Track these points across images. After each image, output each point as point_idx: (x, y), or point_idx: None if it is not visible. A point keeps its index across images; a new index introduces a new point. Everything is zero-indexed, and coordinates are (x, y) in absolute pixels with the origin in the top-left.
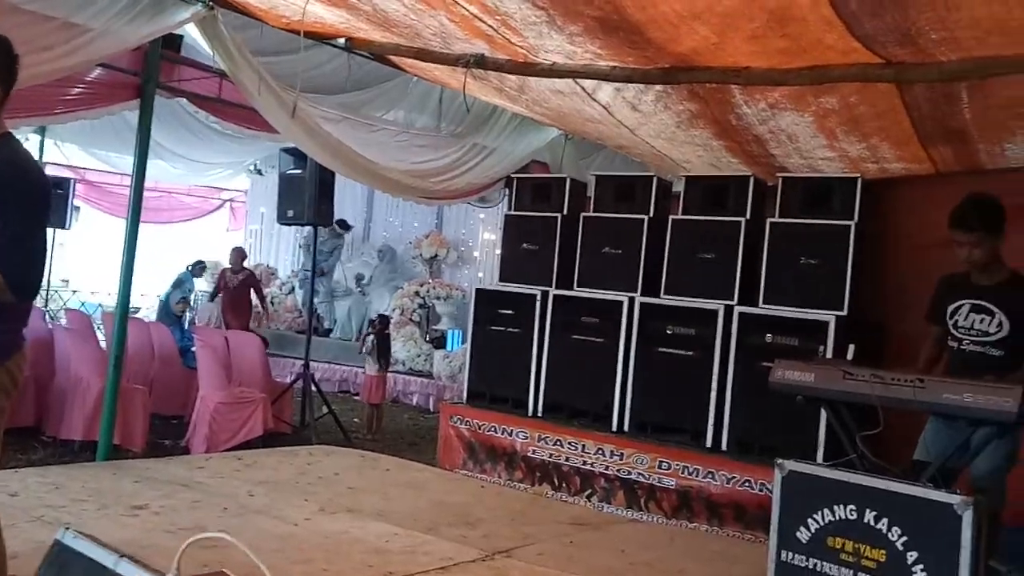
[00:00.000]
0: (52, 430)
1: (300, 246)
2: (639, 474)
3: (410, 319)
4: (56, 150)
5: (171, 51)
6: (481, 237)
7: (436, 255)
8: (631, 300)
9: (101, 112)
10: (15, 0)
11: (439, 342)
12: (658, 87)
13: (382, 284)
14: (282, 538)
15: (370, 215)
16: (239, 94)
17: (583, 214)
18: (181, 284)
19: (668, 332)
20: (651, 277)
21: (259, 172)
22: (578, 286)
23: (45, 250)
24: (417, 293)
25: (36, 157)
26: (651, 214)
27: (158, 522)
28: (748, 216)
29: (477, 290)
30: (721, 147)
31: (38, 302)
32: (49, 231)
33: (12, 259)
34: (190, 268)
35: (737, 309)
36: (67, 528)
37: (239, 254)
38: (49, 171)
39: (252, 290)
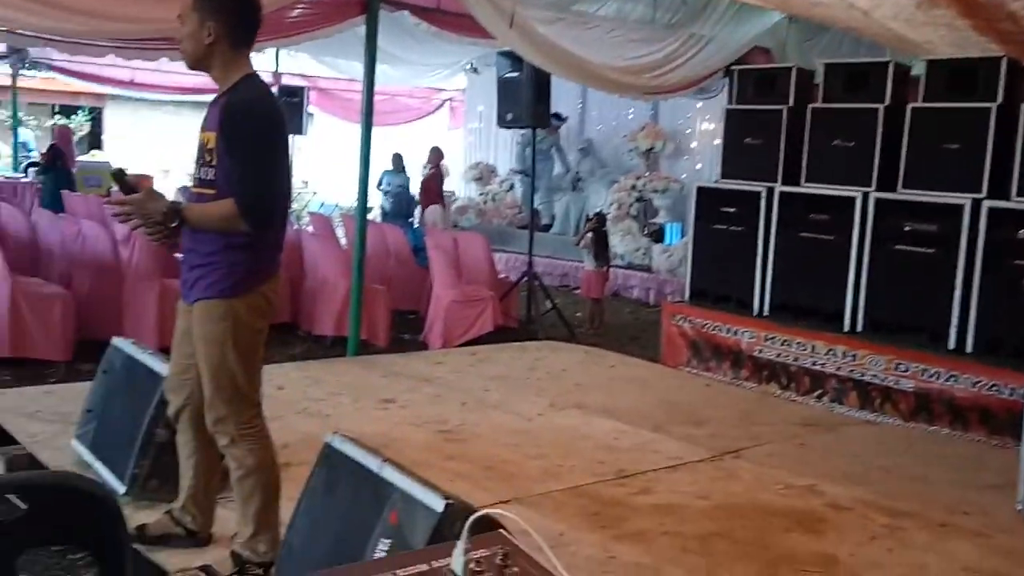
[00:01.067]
0: (306, 326)
1: (518, 143)
2: (873, 375)
3: (627, 213)
4: (290, 60)
5: None
6: (699, 127)
7: (652, 147)
8: (865, 196)
9: (330, 31)
10: None
11: (657, 236)
12: None
13: (598, 178)
14: (518, 433)
15: (584, 108)
16: (457, 3)
17: (811, 105)
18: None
19: (906, 229)
20: (886, 171)
21: (475, 71)
22: (806, 182)
23: (277, 181)
24: (634, 187)
25: (270, 78)
26: (887, 102)
27: (405, 415)
28: (1000, 101)
29: (698, 188)
30: (967, 26)
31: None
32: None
33: (243, 189)
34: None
35: (985, 203)
36: (335, 433)
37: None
38: (284, 81)
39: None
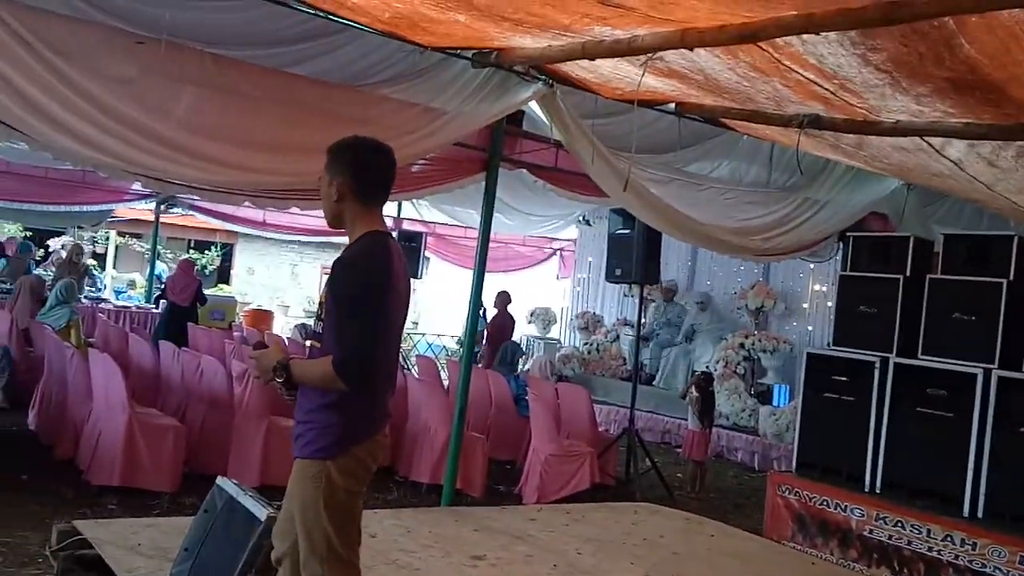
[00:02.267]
0: (403, 471)
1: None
2: (995, 567)
3: (734, 371)
4: (411, 207)
5: (514, 126)
6: (810, 289)
7: (762, 306)
8: (987, 373)
9: (452, 187)
10: (385, 91)
11: (764, 397)
12: (1020, 142)
13: (707, 334)
14: None
15: (694, 266)
16: (574, 163)
17: (929, 276)
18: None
19: None
20: (1010, 347)
21: (587, 223)
22: (923, 354)
23: (375, 341)
24: (742, 345)
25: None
26: (1011, 277)
27: (494, 574)
28: None
29: (809, 354)
30: None
31: None
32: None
33: (340, 347)
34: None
35: None
36: None
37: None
38: (404, 226)
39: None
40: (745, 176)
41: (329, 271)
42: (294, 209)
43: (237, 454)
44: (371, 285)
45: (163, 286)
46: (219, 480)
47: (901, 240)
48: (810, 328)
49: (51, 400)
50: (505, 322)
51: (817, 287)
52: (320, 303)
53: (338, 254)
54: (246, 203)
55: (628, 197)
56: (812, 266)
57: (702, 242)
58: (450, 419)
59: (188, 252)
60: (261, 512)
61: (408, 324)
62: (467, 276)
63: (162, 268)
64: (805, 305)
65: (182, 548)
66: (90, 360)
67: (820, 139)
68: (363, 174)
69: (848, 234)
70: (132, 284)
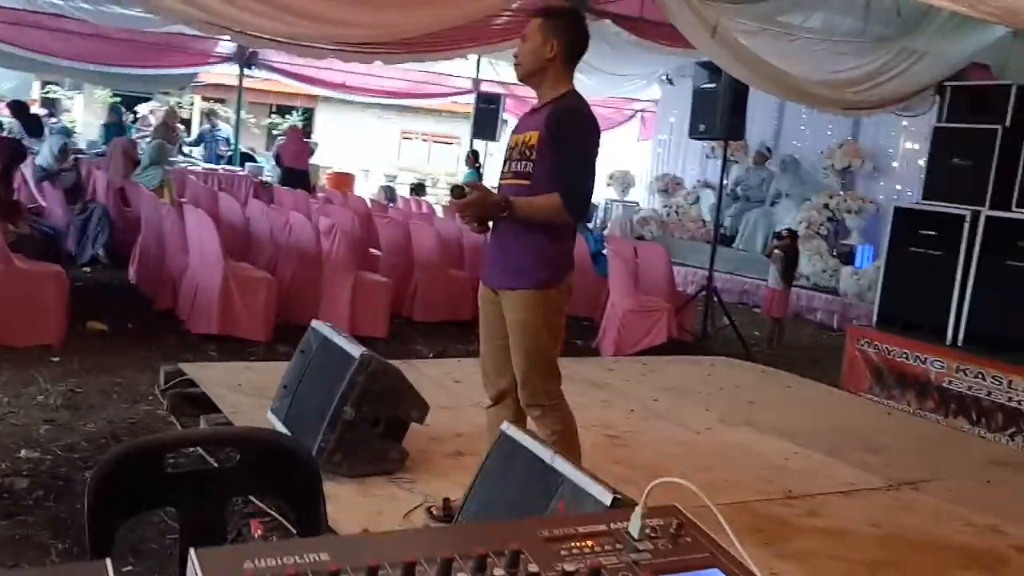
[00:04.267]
0: None
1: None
2: None
3: (817, 232)
4: (490, 68)
5: None
6: (901, 147)
7: (849, 166)
8: None
9: None
10: None
11: (847, 257)
12: None
13: (790, 197)
14: (683, 444)
15: (780, 124)
16: (660, 12)
17: None
18: None
19: None
20: None
21: (670, 82)
22: (1017, 207)
23: (594, 179)
24: (826, 206)
25: (469, 85)
26: None
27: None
28: None
29: (896, 208)
30: None
31: None
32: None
33: (568, 184)
34: None
35: None
36: (510, 423)
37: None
38: (483, 88)
39: None
40: (839, 26)
41: (549, 118)
42: (375, 71)
43: (326, 306)
44: (594, 132)
45: (276, 153)
46: (314, 323)
47: (1002, 89)
48: (899, 187)
49: (149, 255)
50: None
51: (909, 144)
52: (529, 145)
53: (412, 118)
54: (331, 57)
55: (715, 47)
56: (905, 123)
57: (792, 95)
58: None
59: (270, 117)
60: (355, 351)
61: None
62: None
63: (229, 131)
64: (895, 164)
65: (281, 385)
66: (185, 216)
67: None
68: (577, 41)
69: (946, 84)
70: None
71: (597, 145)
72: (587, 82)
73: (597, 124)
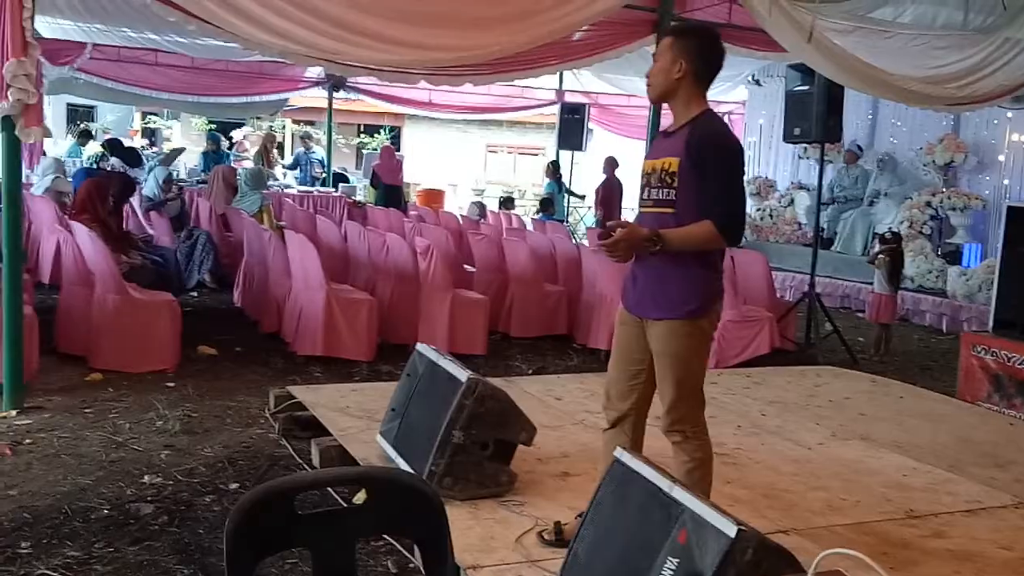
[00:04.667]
0: (581, 339)
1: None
2: None
3: (920, 232)
4: (571, 78)
5: None
6: (1007, 139)
7: (952, 161)
8: None
9: (621, 51)
10: None
11: (953, 257)
12: None
13: (889, 196)
14: (797, 462)
15: (875, 122)
16: (749, 17)
17: None
18: None
19: None
20: None
21: (757, 83)
22: None
23: (745, 200)
24: (929, 204)
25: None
26: None
27: None
28: None
29: (1011, 208)
30: None
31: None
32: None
33: (720, 210)
34: None
35: None
36: (624, 449)
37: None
38: (567, 98)
39: None
40: (936, 19)
41: (688, 143)
42: (463, 87)
43: (425, 325)
44: (740, 154)
45: (372, 173)
46: (419, 346)
47: None
48: (1006, 182)
49: (253, 279)
50: (613, 186)
51: (1016, 136)
52: (669, 172)
53: (492, 132)
54: (422, 82)
55: (810, 50)
56: (1010, 114)
57: (890, 94)
58: None
59: (358, 136)
60: (462, 375)
61: (573, 199)
62: (631, 145)
63: (322, 153)
64: (1001, 157)
65: (389, 408)
66: (287, 241)
67: None
68: (708, 60)
69: None
70: None
71: (742, 165)
72: None
73: (738, 143)
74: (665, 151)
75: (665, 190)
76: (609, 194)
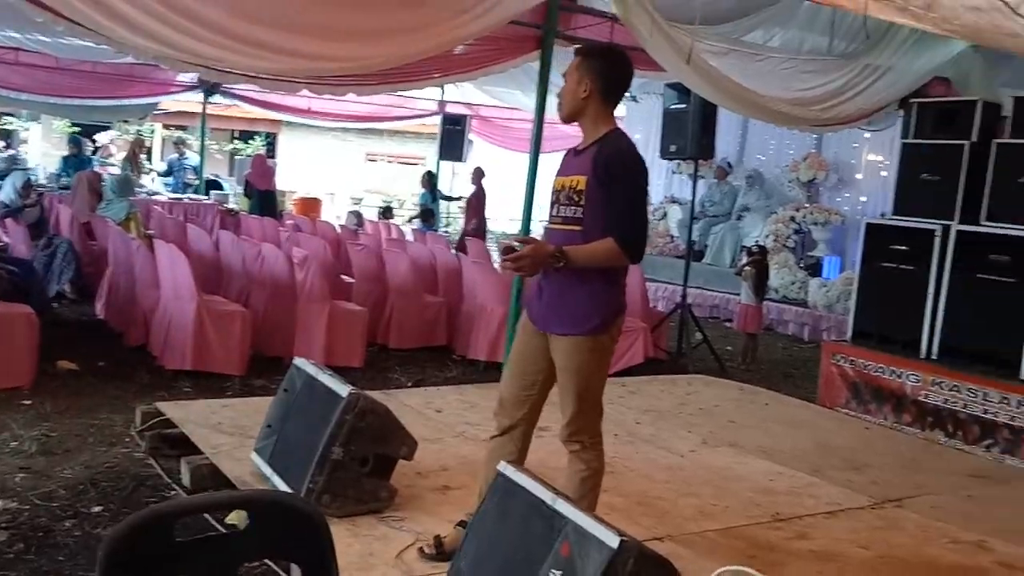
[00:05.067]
0: (460, 350)
1: (705, 195)
2: None
3: (784, 245)
4: (454, 89)
5: (568, 0)
6: (865, 159)
7: (814, 178)
8: None
9: (506, 66)
10: None
11: (814, 269)
12: None
13: (756, 210)
14: (670, 469)
15: (744, 139)
16: (630, 37)
17: (996, 140)
18: None
19: None
20: None
21: (634, 99)
22: (986, 221)
23: (647, 218)
24: (793, 218)
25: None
26: None
27: (559, 445)
28: None
29: (868, 224)
30: None
31: (440, 228)
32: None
33: (623, 228)
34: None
35: None
36: (508, 462)
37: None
38: (448, 109)
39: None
40: (803, 44)
41: (595, 162)
42: (345, 95)
43: (301, 337)
44: (642, 171)
45: (245, 182)
46: (297, 360)
47: (968, 105)
48: (863, 199)
49: (119, 290)
50: (481, 196)
51: (873, 156)
52: (576, 191)
53: (361, 140)
54: (304, 91)
55: (688, 71)
56: (868, 135)
57: (761, 114)
58: (504, 298)
59: (232, 142)
60: (343, 389)
61: (453, 208)
62: (511, 158)
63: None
64: (859, 176)
65: (264, 425)
66: (156, 250)
67: (888, 2)
68: (613, 79)
69: (912, 100)
70: None
71: (646, 184)
72: (551, 100)
73: (643, 162)
74: (574, 169)
75: (572, 207)
76: (480, 203)
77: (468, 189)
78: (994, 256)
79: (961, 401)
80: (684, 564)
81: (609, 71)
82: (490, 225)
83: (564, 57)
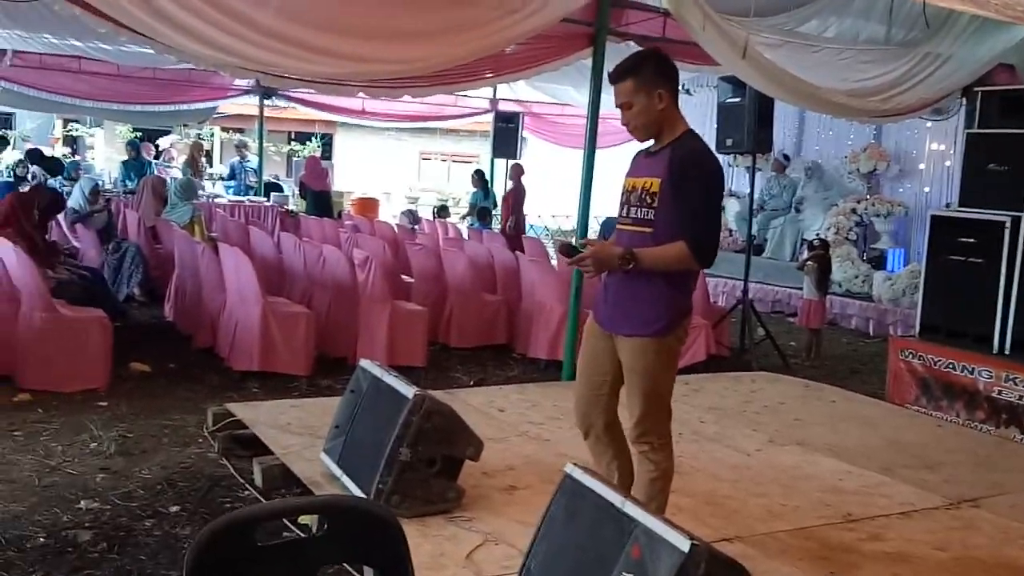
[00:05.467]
0: (521, 348)
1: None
2: None
3: (846, 238)
4: (507, 87)
5: None
6: (927, 148)
7: (875, 169)
8: None
9: (559, 64)
10: None
11: (878, 262)
12: None
13: (816, 203)
14: (737, 468)
15: (801, 131)
16: (683, 31)
17: None
18: None
19: None
20: None
21: (687, 92)
22: None
23: (720, 223)
24: (854, 210)
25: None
26: None
27: None
28: None
29: (934, 216)
30: None
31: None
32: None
33: (694, 231)
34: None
35: None
36: (574, 464)
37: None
38: (500, 107)
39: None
40: (860, 34)
41: (671, 164)
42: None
43: (364, 338)
44: (717, 174)
45: (301, 182)
46: (362, 362)
47: None
48: (927, 189)
49: (185, 293)
50: (519, 192)
51: (935, 146)
52: (650, 192)
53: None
54: (360, 94)
55: (743, 65)
56: (929, 124)
57: (818, 107)
58: (563, 297)
59: (289, 144)
60: (408, 391)
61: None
62: (565, 155)
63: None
64: (921, 166)
65: (332, 426)
66: (221, 254)
67: None
68: (673, 78)
69: (976, 89)
70: None
71: (721, 187)
72: (604, 96)
73: (718, 164)
74: (648, 170)
75: (644, 209)
76: (517, 200)
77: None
78: None
79: None
80: (754, 565)
81: (669, 71)
82: (541, 222)
83: (615, 53)
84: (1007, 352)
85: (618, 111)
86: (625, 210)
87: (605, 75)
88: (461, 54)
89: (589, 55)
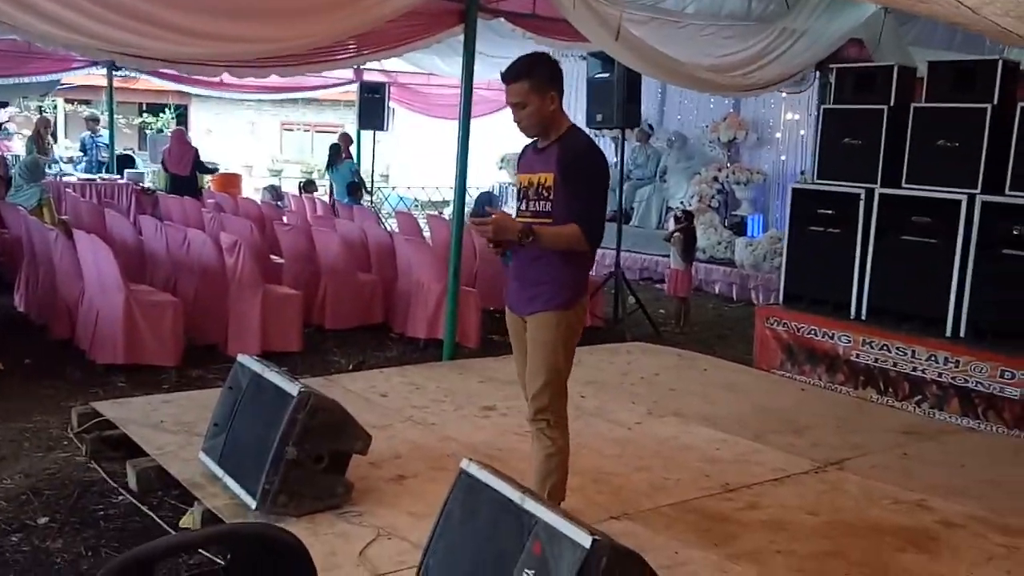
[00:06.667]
0: (399, 328)
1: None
2: (977, 383)
3: (709, 205)
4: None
5: None
6: (783, 118)
7: (734, 138)
8: (970, 198)
9: (430, 41)
10: None
11: (739, 228)
12: None
13: (679, 172)
14: (619, 442)
15: (664, 101)
16: (554, 8)
17: (914, 104)
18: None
19: (1015, 233)
20: (993, 173)
21: None
22: (907, 183)
23: (606, 207)
24: (716, 179)
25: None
26: (995, 102)
27: (508, 423)
28: None
29: (794, 189)
30: None
31: (366, 201)
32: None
33: (586, 217)
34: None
35: None
36: (470, 460)
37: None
38: (365, 77)
39: None
40: (722, 8)
41: (560, 161)
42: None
43: (236, 324)
44: (603, 164)
45: (162, 159)
46: (240, 358)
47: (885, 69)
48: (783, 158)
49: (37, 281)
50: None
51: (791, 116)
52: (545, 186)
53: (286, 109)
54: (224, 74)
55: (610, 41)
56: (785, 95)
57: (684, 82)
58: (441, 275)
59: (141, 116)
60: (292, 388)
61: (377, 177)
62: (434, 126)
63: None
64: (778, 135)
65: (211, 424)
66: (76, 241)
67: None
68: (561, 81)
69: (831, 65)
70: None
71: (606, 176)
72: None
73: (604, 157)
74: (540, 166)
75: (543, 202)
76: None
77: (398, 158)
78: (916, 218)
79: (891, 360)
80: (642, 543)
81: (559, 75)
82: (411, 193)
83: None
84: (863, 318)
85: (483, 80)
86: (524, 204)
87: (476, 51)
88: (333, 32)
89: (460, 32)
